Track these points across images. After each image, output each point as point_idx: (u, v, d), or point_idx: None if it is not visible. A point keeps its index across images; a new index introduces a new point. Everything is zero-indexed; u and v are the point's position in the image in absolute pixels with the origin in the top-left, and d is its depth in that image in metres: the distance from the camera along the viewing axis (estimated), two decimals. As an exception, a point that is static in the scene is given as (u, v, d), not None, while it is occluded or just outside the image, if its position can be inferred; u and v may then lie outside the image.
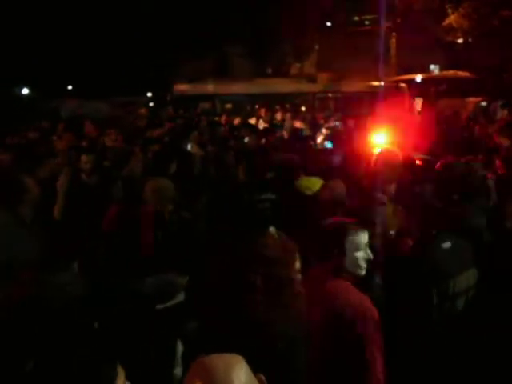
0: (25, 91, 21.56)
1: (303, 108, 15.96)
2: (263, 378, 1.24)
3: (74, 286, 1.68)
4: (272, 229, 3.34)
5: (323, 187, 4.12)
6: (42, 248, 2.96)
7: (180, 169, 4.07)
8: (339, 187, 3.95)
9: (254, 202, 4.09)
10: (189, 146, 4.98)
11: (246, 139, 6.28)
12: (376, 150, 5.74)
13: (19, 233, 2.98)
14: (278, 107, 14.35)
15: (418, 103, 10.23)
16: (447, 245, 2.69)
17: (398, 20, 21.81)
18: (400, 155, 4.46)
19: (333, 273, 2.17)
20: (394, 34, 22.09)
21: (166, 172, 4.04)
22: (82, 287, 1.70)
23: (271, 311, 1.57)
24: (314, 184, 4.54)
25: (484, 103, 18.64)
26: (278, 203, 3.56)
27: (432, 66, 26.54)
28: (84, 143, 7.02)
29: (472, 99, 16.73)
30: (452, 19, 19.40)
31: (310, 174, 4.68)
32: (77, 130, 8.94)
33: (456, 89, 16.56)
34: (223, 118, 11.12)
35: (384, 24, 21.99)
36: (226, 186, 4.25)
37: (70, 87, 22.92)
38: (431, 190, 3.60)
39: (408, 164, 4.89)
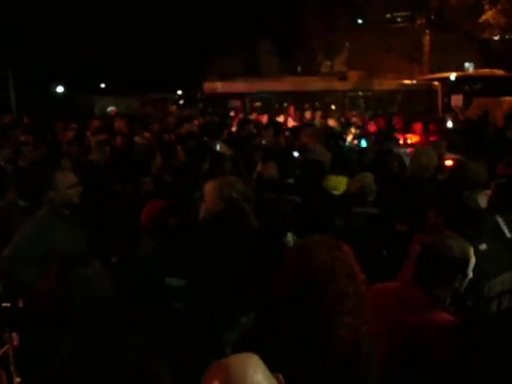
0: (60, 89, 22.15)
1: (333, 107, 15.82)
2: (281, 377, 1.23)
3: (98, 281, 1.70)
4: (289, 234, 3.32)
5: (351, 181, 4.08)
6: (80, 242, 3.06)
7: (211, 169, 4.09)
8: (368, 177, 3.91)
9: (277, 204, 4.08)
10: (218, 146, 5.00)
11: (271, 138, 6.24)
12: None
13: (60, 226, 3.10)
14: (307, 105, 14.27)
15: (459, 99, 9.96)
16: (483, 247, 2.64)
17: (432, 17, 21.32)
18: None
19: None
20: (427, 31, 21.60)
21: (198, 172, 4.08)
22: (108, 282, 1.72)
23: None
24: (340, 183, 4.48)
25: (520, 101, 18.06)
26: (301, 206, 3.53)
27: (467, 64, 25.84)
28: (118, 140, 7.15)
29: (508, 98, 16.22)
30: (489, 15, 18.84)
31: (340, 173, 4.62)
32: (109, 126, 9.15)
33: (491, 87, 16.05)
34: (252, 116, 11.13)
35: (417, 21, 21.61)
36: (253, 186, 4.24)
37: (102, 85, 23.43)
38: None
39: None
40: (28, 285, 2.72)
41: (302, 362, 1.49)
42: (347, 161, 5.16)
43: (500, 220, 3.23)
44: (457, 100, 9.82)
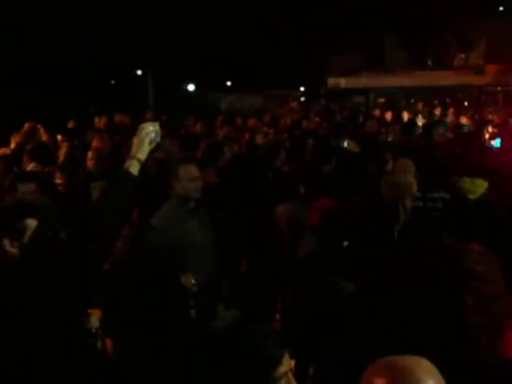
0: (191, 87, 23.72)
1: (466, 103, 14.61)
2: None
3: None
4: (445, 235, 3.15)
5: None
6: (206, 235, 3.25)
7: (338, 166, 4.05)
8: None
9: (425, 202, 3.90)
10: (345, 143, 4.92)
11: (398, 135, 5.93)
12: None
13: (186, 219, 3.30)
14: (436, 102, 13.37)
15: None
16: None
17: None
18: None
19: None
20: None
21: (321, 169, 4.06)
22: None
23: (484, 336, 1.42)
24: (478, 186, 4.13)
25: None
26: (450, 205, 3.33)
27: None
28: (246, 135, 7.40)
29: None
30: None
31: (475, 175, 4.26)
32: (233, 122, 9.56)
33: None
34: (376, 112, 10.75)
35: None
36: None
37: (229, 83, 24.56)
38: None
39: None
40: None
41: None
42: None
43: None
44: None
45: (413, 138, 6.01)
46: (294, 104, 17.17)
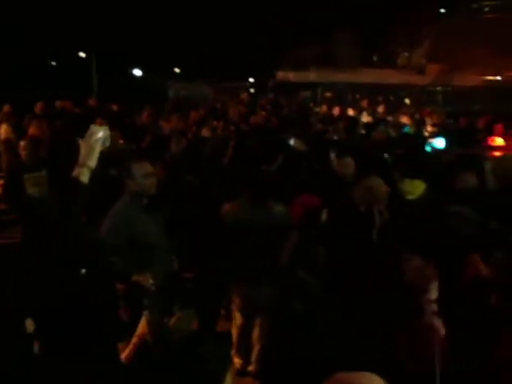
0: (137, 72, 23.02)
1: (407, 100, 15.15)
2: None
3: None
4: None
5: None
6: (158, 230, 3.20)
7: (285, 164, 4.05)
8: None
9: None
10: (292, 141, 4.92)
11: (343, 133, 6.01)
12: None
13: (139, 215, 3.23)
14: (380, 99, 13.77)
15: None
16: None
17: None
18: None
19: None
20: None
21: (270, 167, 4.05)
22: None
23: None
24: (416, 187, 4.27)
25: None
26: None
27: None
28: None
29: None
30: None
31: (416, 176, 4.40)
32: (182, 112, 9.33)
33: None
34: (323, 108, 10.90)
35: (508, 11, 20.01)
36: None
37: (177, 70, 24.06)
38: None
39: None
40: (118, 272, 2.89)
41: None
42: (423, 163, 4.90)
43: None
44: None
45: (355, 136, 6.15)
46: (243, 95, 17.12)
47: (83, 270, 2.80)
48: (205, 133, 5.63)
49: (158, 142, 4.97)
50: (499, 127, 8.87)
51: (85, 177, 2.35)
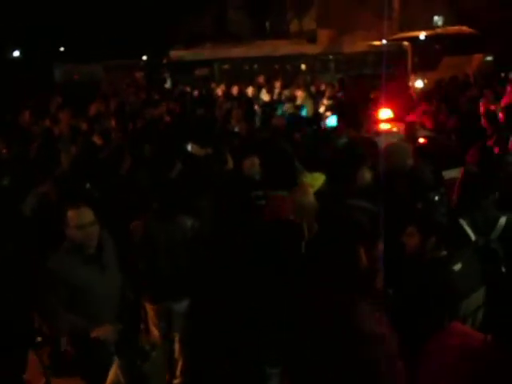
0: (16, 54, 20.92)
1: (303, 66, 15.48)
2: None
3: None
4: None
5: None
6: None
7: (185, 172, 3.97)
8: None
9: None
10: (189, 147, 4.81)
11: (243, 124, 6.00)
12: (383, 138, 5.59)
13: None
14: (277, 71, 13.96)
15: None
16: (458, 266, 2.65)
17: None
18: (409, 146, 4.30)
19: None
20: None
21: (169, 175, 3.96)
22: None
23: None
24: (316, 180, 4.40)
25: (490, 58, 18.19)
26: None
27: (436, 18, 25.67)
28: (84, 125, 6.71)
29: (477, 55, 16.28)
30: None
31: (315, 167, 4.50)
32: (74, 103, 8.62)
33: (460, 45, 16.11)
34: (221, 89, 10.77)
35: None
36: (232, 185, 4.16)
37: (62, 49, 22.19)
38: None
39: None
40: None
41: None
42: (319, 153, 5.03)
43: (464, 223, 3.25)
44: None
45: (254, 123, 6.19)
46: (138, 75, 16.35)
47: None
48: (97, 140, 5.28)
49: (47, 155, 4.54)
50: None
51: None
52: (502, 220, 3.13)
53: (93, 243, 2.93)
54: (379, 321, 1.55)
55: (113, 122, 6.31)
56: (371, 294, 2.84)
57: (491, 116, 6.19)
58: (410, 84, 14.09)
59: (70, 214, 2.89)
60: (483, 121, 6.26)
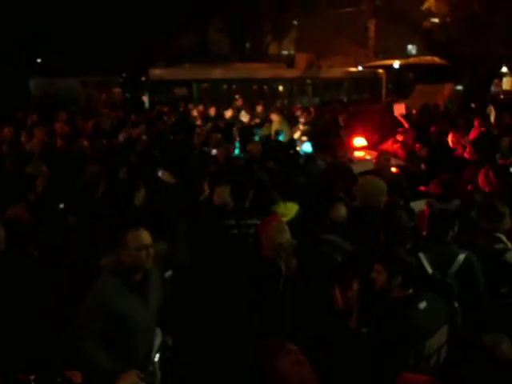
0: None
1: (280, 88, 15.71)
2: None
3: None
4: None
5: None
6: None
7: (152, 199, 3.96)
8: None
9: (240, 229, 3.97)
10: (160, 173, 4.78)
11: (215, 151, 6.03)
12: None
13: None
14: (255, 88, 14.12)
15: (401, 108, 10.02)
16: (423, 305, 2.72)
17: (378, 2, 21.65)
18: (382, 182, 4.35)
19: None
20: (372, 16, 21.93)
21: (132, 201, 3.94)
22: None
23: None
24: (289, 210, 4.43)
25: (459, 87, 18.92)
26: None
27: (410, 47, 26.62)
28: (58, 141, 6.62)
29: (447, 84, 16.93)
30: (431, 3, 19.40)
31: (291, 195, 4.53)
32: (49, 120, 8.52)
33: (433, 75, 16.73)
34: (200, 108, 10.83)
35: (364, 7, 21.83)
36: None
37: (38, 60, 21.89)
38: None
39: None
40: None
41: None
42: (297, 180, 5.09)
43: (422, 257, 3.33)
44: (400, 109, 9.92)
45: (232, 148, 6.24)
46: (116, 90, 16.30)
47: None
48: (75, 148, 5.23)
49: (21, 180, 4.43)
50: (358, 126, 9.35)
51: None
52: (461, 257, 3.24)
53: (147, 265, 2.85)
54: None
55: (86, 142, 6.24)
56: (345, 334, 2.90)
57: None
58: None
59: (130, 236, 2.80)
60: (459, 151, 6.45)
